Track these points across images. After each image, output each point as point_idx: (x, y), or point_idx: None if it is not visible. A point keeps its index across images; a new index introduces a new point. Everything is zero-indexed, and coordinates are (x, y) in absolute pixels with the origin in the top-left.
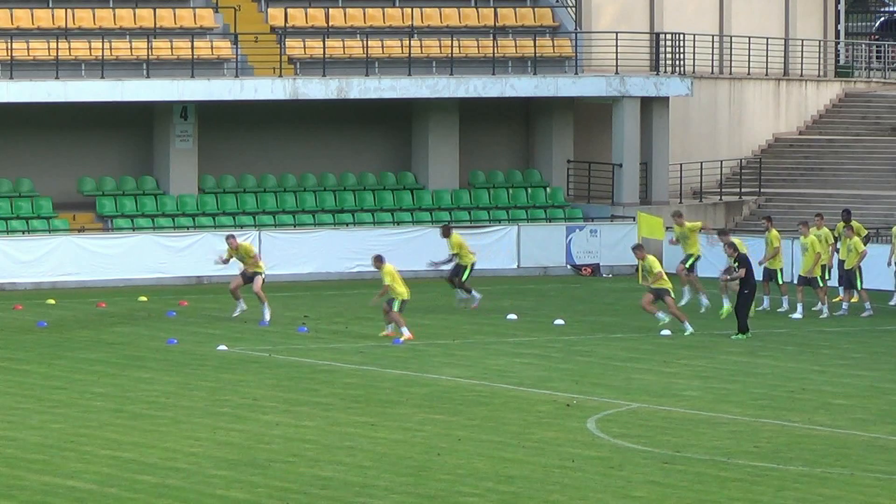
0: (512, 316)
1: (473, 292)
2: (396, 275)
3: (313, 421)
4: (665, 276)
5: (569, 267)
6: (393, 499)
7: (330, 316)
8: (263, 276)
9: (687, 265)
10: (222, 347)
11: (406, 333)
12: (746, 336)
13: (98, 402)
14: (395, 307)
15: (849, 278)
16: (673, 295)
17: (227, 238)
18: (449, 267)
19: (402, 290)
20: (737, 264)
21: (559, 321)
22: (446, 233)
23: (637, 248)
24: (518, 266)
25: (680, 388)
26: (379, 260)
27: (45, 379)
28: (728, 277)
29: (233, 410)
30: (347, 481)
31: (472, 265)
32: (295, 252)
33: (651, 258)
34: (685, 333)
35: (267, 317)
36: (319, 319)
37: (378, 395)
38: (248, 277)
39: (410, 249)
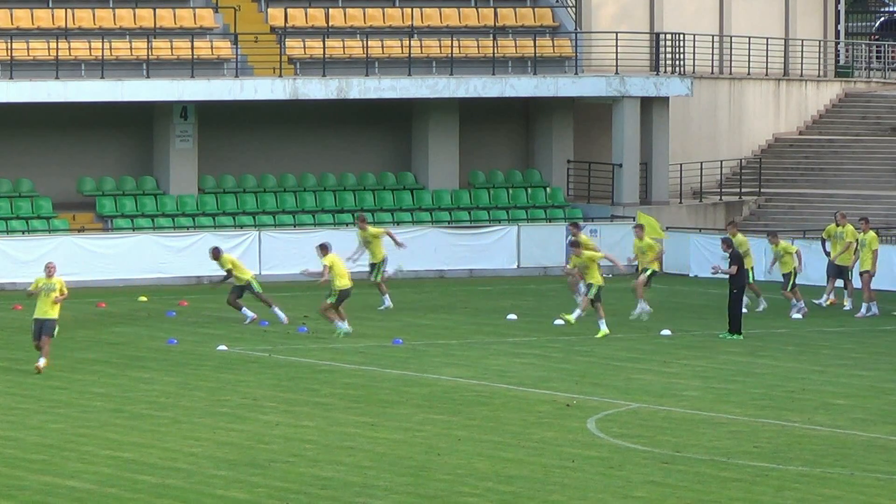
0: (512, 316)
1: (245, 310)
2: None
3: (313, 421)
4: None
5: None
6: (393, 499)
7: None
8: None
9: (376, 276)
10: (222, 347)
11: None
12: (740, 336)
13: (98, 402)
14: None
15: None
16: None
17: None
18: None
19: None
20: (728, 261)
21: (559, 321)
22: (216, 255)
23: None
24: (518, 266)
25: (680, 388)
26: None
27: (45, 379)
28: (722, 272)
29: (233, 410)
30: (347, 481)
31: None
32: (295, 252)
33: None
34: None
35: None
36: (319, 319)
37: (378, 395)
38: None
39: (410, 249)
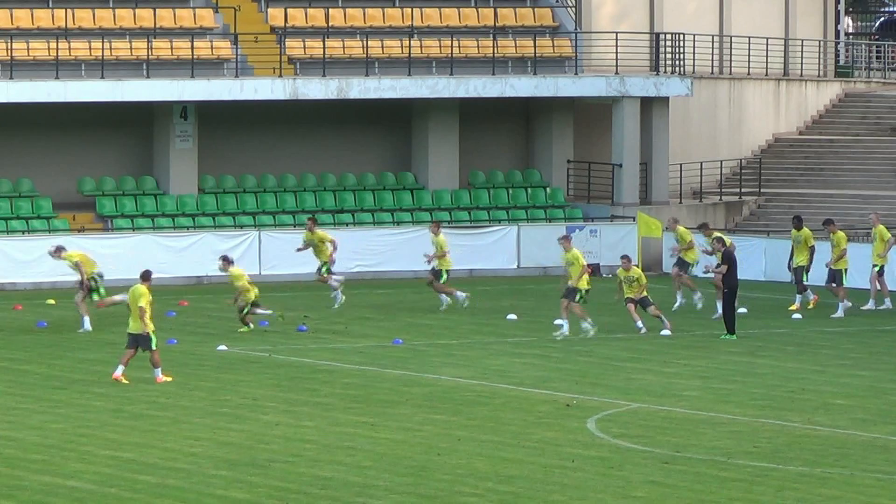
0: (512, 316)
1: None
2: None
3: (313, 421)
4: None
5: None
6: (393, 499)
7: (330, 316)
8: None
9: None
10: (222, 347)
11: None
12: (733, 336)
13: (98, 402)
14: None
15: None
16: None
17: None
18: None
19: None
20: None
21: (559, 321)
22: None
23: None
24: (518, 266)
25: (680, 388)
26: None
27: (45, 379)
28: (713, 271)
29: (233, 410)
30: (347, 481)
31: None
32: (295, 252)
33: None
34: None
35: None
36: (319, 319)
37: (378, 395)
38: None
39: (410, 249)
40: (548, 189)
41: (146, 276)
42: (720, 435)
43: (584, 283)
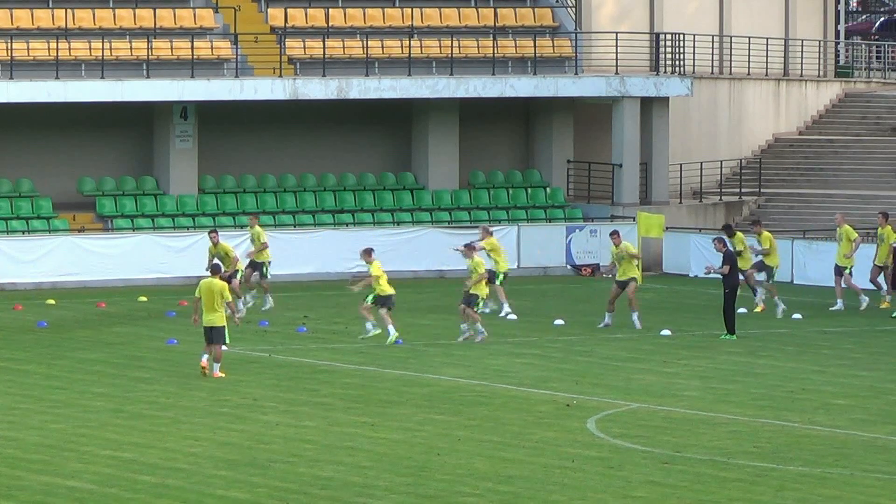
0: (512, 316)
1: None
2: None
3: (313, 421)
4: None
5: (569, 267)
6: (393, 499)
7: (330, 316)
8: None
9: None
10: (222, 347)
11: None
12: (733, 336)
13: (98, 402)
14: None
15: None
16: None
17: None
18: None
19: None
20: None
21: (559, 321)
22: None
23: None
24: (518, 266)
25: (680, 388)
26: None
27: (45, 379)
28: (716, 272)
29: (233, 410)
30: (347, 481)
31: None
32: (295, 252)
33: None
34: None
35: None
36: (319, 319)
37: (378, 395)
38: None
39: (410, 249)
40: (548, 189)
41: (216, 270)
42: (720, 435)
43: (483, 291)
